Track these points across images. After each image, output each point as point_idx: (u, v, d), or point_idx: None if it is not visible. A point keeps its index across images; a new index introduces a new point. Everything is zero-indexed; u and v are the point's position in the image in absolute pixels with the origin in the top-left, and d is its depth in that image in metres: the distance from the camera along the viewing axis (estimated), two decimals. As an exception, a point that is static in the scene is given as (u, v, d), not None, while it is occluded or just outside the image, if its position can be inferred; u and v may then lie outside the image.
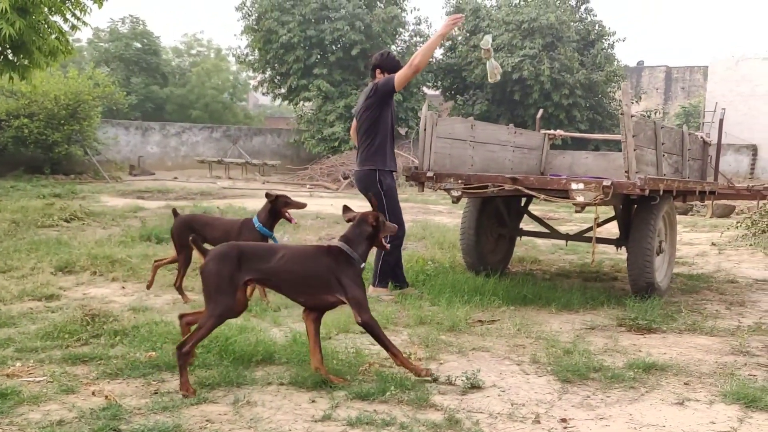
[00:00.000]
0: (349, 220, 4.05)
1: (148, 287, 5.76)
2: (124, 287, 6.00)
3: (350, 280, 3.79)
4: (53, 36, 9.39)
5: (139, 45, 33.11)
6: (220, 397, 3.46)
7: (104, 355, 3.95)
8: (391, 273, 5.99)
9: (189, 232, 5.49)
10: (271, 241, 5.35)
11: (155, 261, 5.96)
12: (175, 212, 5.91)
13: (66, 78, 19.79)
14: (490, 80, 6.63)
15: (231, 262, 3.63)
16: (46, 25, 9.34)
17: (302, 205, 5.54)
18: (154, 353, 3.94)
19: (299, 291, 3.83)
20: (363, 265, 3.93)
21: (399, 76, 5.82)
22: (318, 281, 3.79)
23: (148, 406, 3.28)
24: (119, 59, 32.54)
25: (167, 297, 5.67)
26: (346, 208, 4.13)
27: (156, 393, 3.48)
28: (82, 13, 9.31)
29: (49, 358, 3.91)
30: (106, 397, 3.35)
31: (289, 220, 5.54)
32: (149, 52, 33.30)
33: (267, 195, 5.44)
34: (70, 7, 9.24)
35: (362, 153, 6.01)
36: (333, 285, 3.78)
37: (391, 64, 6.06)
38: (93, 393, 3.41)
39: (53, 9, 9.14)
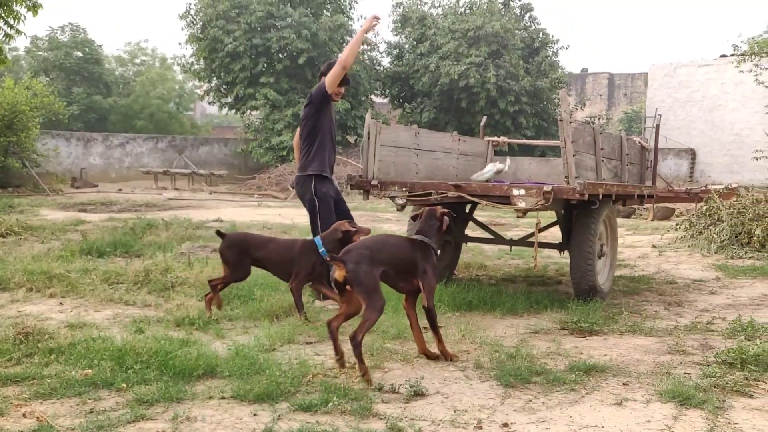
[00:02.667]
0: (414, 217, 4.70)
1: (219, 307, 5.45)
2: (62, 303, 5.81)
3: (431, 269, 4.37)
4: (-16, 45, 9.11)
5: (80, 54, 32.39)
6: (158, 414, 3.37)
7: (37, 374, 3.81)
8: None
9: (241, 251, 5.42)
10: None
11: (211, 281, 5.56)
12: (220, 233, 5.62)
13: (1, 88, 19.20)
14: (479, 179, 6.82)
15: (370, 261, 4.02)
16: (-23, 34, 9.05)
17: (368, 231, 5.54)
18: (90, 371, 3.82)
19: (400, 278, 4.30)
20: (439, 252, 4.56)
21: (329, 77, 5.88)
22: (413, 267, 4.31)
23: (82, 426, 3.18)
24: (59, 68, 31.78)
25: (107, 312, 5.52)
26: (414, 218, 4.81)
27: (91, 412, 3.37)
28: (16, 21, 9.05)
29: (-22, 380, 3.76)
30: (38, 418, 3.23)
31: None
32: (91, 61, 32.61)
33: (339, 227, 5.40)
34: (3, 15, 8.97)
35: (302, 159, 6.07)
36: (420, 272, 4.31)
37: None
38: (24, 414, 3.28)
39: (-16, 17, 8.87)
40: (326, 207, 5.91)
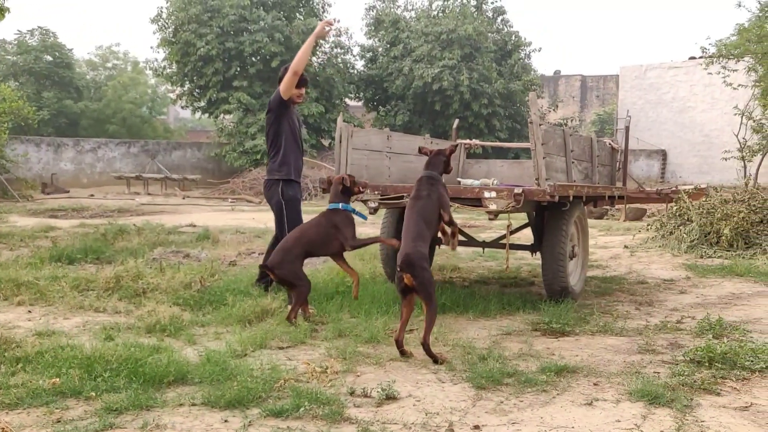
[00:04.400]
0: (424, 152, 5.32)
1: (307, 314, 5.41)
2: (30, 311, 5.72)
3: (448, 200, 5.03)
4: (-50, 49, 8.93)
5: (50, 58, 31.93)
6: (127, 422, 3.33)
7: (3, 384, 3.74)
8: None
9: (293, 262, 5.36)
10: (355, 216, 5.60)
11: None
12: (266, 267, 5.49)
13: (-31, 93, 18.90)
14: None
15: (427, 255, 4.63)
16: (-59, 38, 8.88)
17: (365, 184, 5.82)
18: (57, 380, 3.76)
19: (437, 228, 4.95)
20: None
21: (282, 84, 5.98)
22: (440, 208, 4.88)
23: (49, 436, 3.13)
24: (29, 72, 31.31)
25: (77, 319, 5.44)
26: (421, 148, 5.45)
27: (59, 421, 3.32)
28: (-18, 25, 8.89)
29: (-58, 392, 3.68)
30: (3, 429, 3.17)
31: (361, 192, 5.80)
32: (61, 65, 32.17)
33: (338, 181, 5.59)
34: (-31, 19, 8.82)
35: (269, 164, 6.22)
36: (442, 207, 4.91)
37: None
38: (-12, 425, 3.23)
39: (-51, 21, 8.70)
40: (293, 209, 6.08)
